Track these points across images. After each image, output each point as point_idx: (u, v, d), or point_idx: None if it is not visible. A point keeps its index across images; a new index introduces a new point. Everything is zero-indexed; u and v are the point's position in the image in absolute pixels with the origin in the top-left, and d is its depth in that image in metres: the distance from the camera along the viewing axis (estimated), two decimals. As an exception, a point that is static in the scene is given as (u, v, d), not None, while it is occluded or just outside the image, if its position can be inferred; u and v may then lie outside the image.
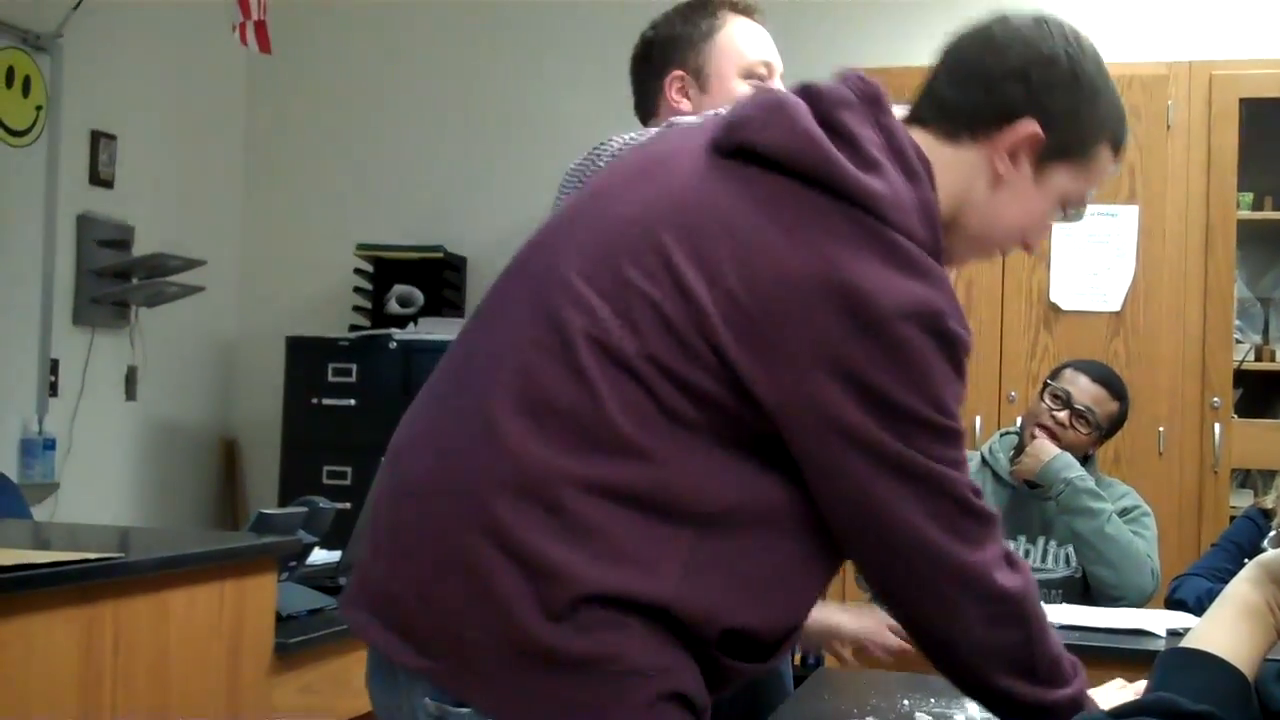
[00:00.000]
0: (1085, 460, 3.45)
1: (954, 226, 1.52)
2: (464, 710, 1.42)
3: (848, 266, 1.35)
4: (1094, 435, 3.42)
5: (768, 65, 2.35)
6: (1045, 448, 3.37)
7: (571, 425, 1.38)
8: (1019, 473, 3.40)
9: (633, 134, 2.27)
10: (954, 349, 1.40)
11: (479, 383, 1.45)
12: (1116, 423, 3.48)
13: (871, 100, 1.51)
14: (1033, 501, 3.42)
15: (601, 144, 2.28)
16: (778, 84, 2.32)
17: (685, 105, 2.33)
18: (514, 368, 1.43)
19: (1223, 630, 1.40)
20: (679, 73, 2.35)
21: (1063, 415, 3.39)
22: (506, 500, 1.38)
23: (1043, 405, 3.43)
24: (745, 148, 1.42)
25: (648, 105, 2.41)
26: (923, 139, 1.52)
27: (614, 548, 1.37)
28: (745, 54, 2.35)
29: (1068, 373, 3.46)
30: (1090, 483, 3.32)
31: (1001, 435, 3.59)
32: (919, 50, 5.15)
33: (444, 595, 1.41)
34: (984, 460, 3.51)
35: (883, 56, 4.88)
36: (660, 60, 2.37)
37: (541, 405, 1.40)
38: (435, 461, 1.46)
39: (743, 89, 2.29)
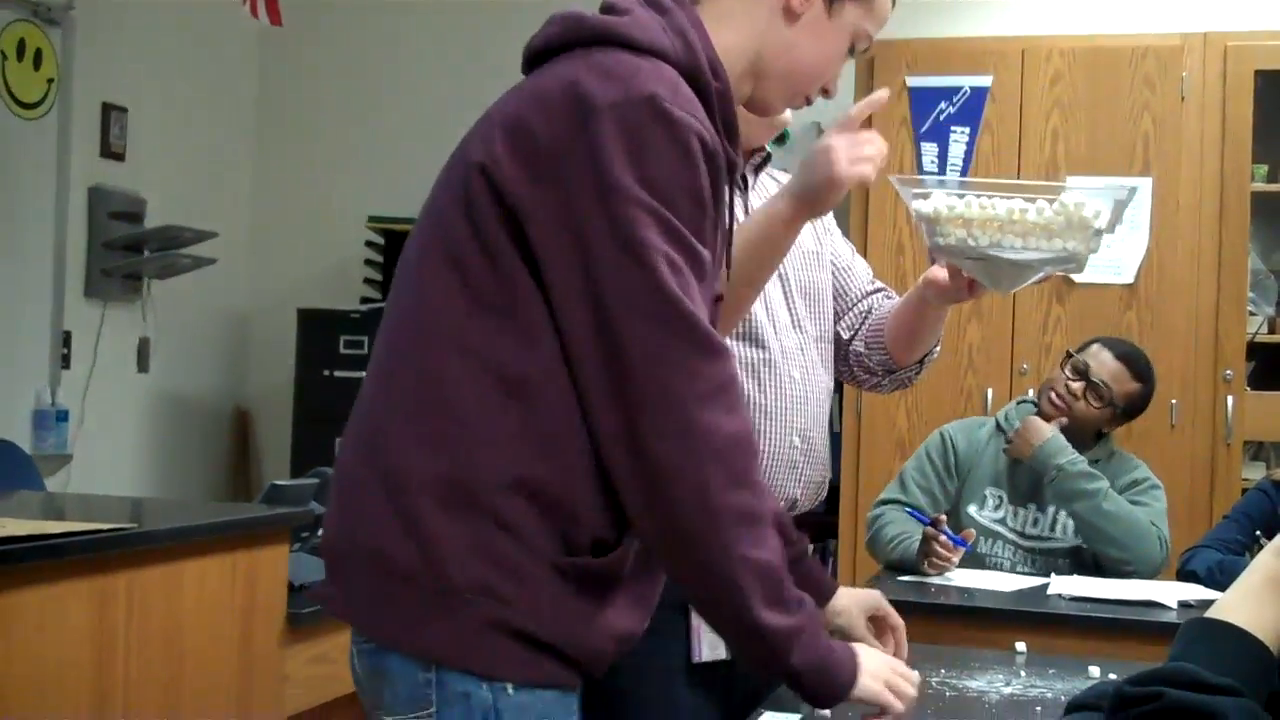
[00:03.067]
0: (1099, 438, 3.44)
1: (761, 72, 1.66)
2: (367, 645, 1.54)
3: (580, 81, 1.47)
4: (1107, 411, 3.41)
5: (869, 41, 2.23)
6: (1037, 428, 3.36)
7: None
8: (1011, 452, 3.39)
9: None
10: (669, 126, 1.44)
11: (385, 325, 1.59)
12: (1135, 404, 3.45)
13: None
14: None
15: None
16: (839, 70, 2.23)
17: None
18: (399, 294, 1.57)
19: (1248, 602, 1.38)
20: None
21: (1077, 386, 3.38)
22: (387, 429, 1.50)
23: (1060, 374, 3.42)
24: (534, 55, 1.59)
25: None
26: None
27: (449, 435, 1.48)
28: (872, 18, 2.21)
29: (1094, 347, 3.45)
30: (1082, 464, 3.31)
31: (1019, 403, 3.57)
32: (925, 22, 5.15)
33: (337, 536, 1.55)
34: (999, 426, 3.50)
35: (888, 28, 4.86)
36: None
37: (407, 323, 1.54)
38: (354, 413, 1.58)
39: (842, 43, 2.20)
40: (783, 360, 2.21)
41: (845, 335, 2.39)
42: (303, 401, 5.20)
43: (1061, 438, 3.34)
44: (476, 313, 1.48)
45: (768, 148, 2.34)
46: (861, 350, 2.38)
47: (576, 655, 1.51)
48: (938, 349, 2.41)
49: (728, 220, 1.63)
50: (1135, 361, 3.45)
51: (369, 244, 5.42)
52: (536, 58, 1.59)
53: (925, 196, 1.97)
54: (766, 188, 2.32)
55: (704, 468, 1.43)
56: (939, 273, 2.13)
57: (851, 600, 2.08)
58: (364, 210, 5.44)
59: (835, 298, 2.39)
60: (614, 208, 1.43)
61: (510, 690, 1.48)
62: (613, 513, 1.50)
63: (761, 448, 2.17)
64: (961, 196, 1.94)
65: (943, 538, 3.14)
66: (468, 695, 1.48)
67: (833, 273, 2.40)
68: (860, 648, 1.61)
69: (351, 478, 1.54)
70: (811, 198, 1.91)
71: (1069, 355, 3.45)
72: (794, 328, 2.25)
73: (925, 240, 2.03)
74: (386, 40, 5.71)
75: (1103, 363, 3.40)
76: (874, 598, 2.09)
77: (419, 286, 1.52)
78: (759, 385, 2.19)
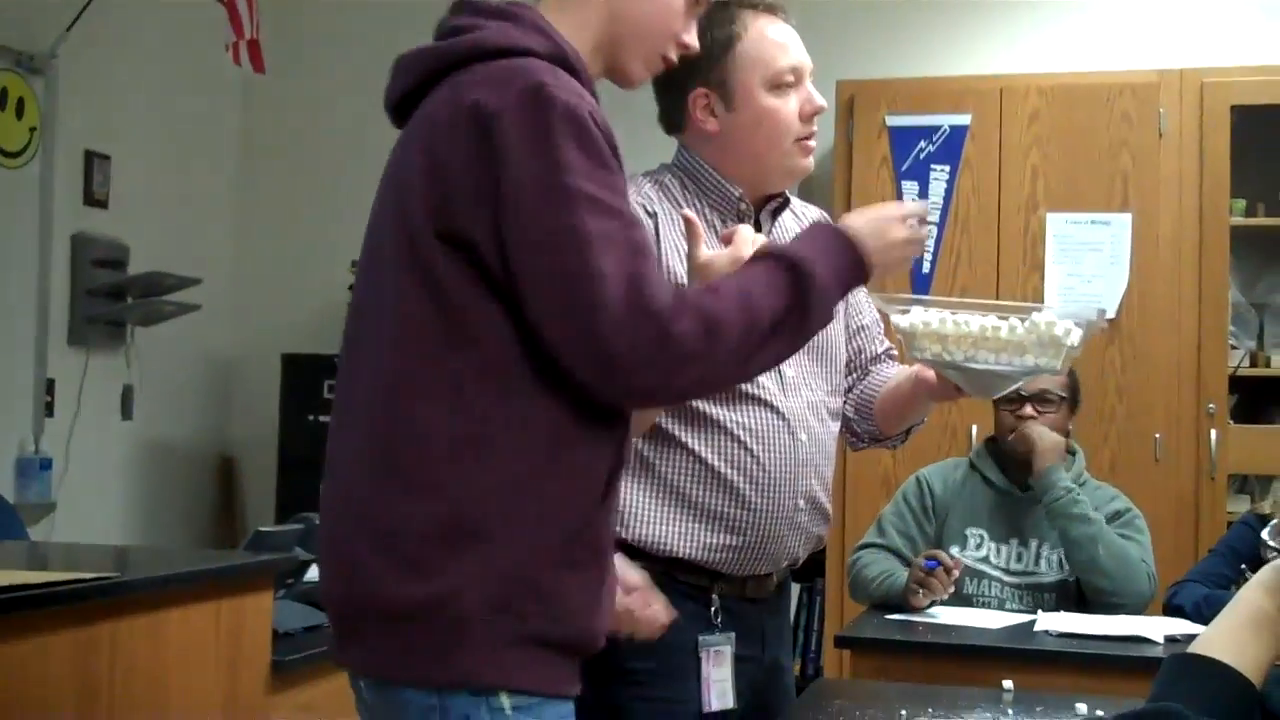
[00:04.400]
0: (1071, 454, 3.46)
1: (609, 44, 1.73)
2: (361, 683, 1.62)
3: (469, 97, 1.55)
4: (1064, 408, 3.44)
5: (796, 70, 2.19)
6: (1052, 444, 3.37)
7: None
8: (1014, 445, 3.41)
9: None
10: (564, 109, 1.53)
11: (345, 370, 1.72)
12: (1073, 387, 3.50)
13: (487, 9, 1.69)
14: (1025, 505, 3.42)
15: None
16: (809, 87, 2.21)
17: (711, 125, 2.20)
18: (352, 348, 1.73)
19: (1230, 636, 1.38)
20: (702, 90, 2.19)
21: (1026, 410, 3.41)
22: (362, 470, 1.59)
23: (1003, 412, 3.45)
24: (400, 102, 1.68)
25: (673, 120, 2.26)
26: None
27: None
28: (770, 62, 2.18)
29: None
30: (1084, 497, 3.33)
31: (986, 440, 3.59)
32: (903, 62, 5.18)
33: (329, 584, 1.62)
34: (972, 465, 3.52)
35: (866, 69, 4.90)
36: (681, 75, 2.14)
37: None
38: (328, 470, 1.67)
39: (771, 100, 2.18)
40: (789, 423, 2.21)
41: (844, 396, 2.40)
42: (287, 447, 5.18)
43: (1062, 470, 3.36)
44: (439, 357, 1.54)
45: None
46: (852, 415, 2.39)
47: (585, 642, 1.61)
48: (925, 420, 2.43)
49: None
50: None
51: (352, 289, 5.42)
52: (404, 103, 1.66)
53: (904, 311, 2.06)
54: (786, 226, 2.31)
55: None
56: (928, 374, 2.18)
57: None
58: (347, 255, 5.43)
59: (849, 359, 2.39)
60: (541, 204, 1.51)
61: (508, 710, 1.53)
62: (591, 486, 1.60)
63: (764, 510, 2.17)
64: (938, 313, 2.03)
65: (940, 554, 3.16)
66: (468, 718, 1.53)
67: (850, 332, 2.39)
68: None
69: (339, 536, 1.60)
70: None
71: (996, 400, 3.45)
72: (803, 386, 2.25)
73: (906, 352, 2.12)
74: (369, 86, 5.70)
75: None
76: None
77: (377, 340, 1.60)
78: (765, 449, 2.18)
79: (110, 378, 5.07)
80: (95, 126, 4.97)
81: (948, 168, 4.66)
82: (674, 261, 2.15)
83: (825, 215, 2.43)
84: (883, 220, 1.73)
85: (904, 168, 4.68)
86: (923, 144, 4.67)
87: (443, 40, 1.65)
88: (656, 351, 1.51)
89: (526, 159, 1.51)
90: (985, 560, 3.41)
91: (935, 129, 4.67)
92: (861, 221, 1.72)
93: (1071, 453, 3.47)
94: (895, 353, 2.45)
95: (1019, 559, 3.40)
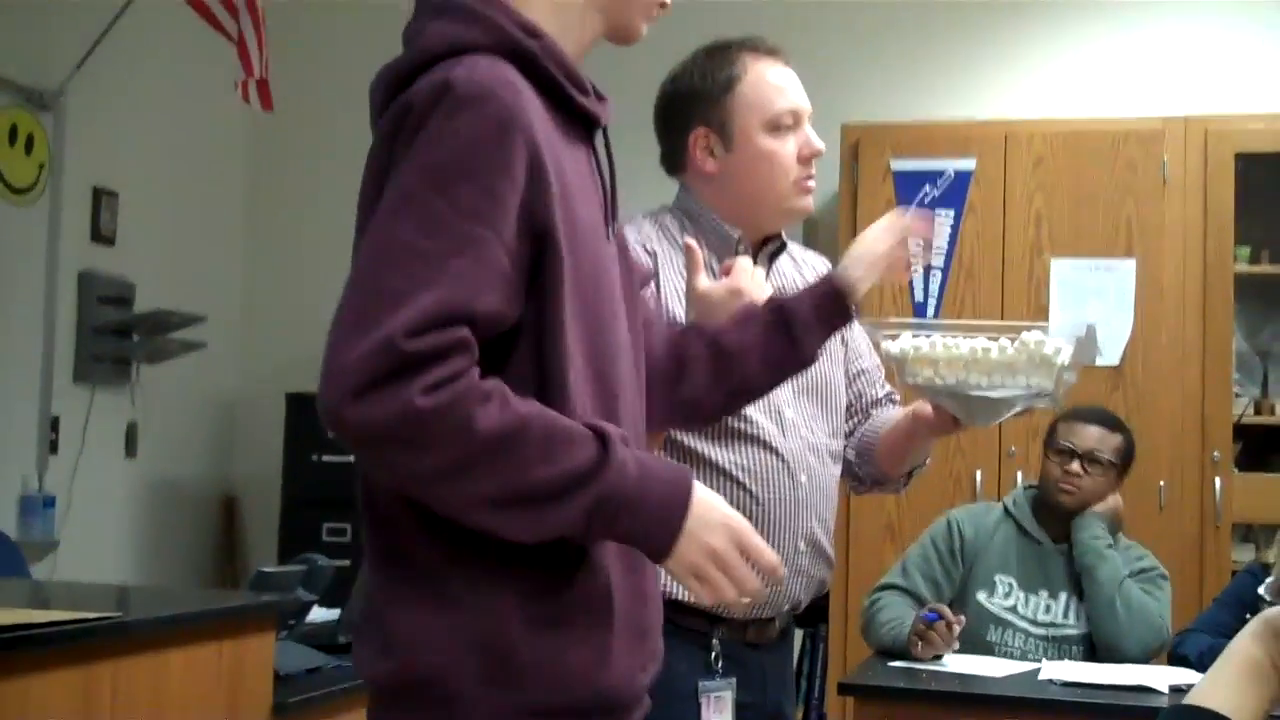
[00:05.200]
0: (1116, 529, 3.45)
1: (586, 5, 1.59)
2: None
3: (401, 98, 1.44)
4: (1112, 474, 3.43)
5: (794, 113, 2.21)
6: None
7: None
8: (1056, 497, 3.41)
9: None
10: (459, 108, 1.40)
11: None
12: (1126, 455, 3.48)
13: (436, 4, 1.55)
14: (1057, 557, 3.41)
15: None
16: (808, 130, 2.22)
17: (710, 165, 2.22)
18: None
19: (1225, 687, 1.39)
20: (702, 130, 2.21)
21: (1074, 466, 3.39)
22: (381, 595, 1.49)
23: (1052, 464, 3.42)
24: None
25: (673, 161, 2.29)
26: None
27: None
28: (769, 105, 2.19)
29: (1061, 426, 3.46)
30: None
31: (1025, 488, 3.57)
32: (908, 106, 5.22)
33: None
34: (1007, 511, 3.50)
35: (872, 112, 4.92)
36: (681, 116, 2.23)
37: None
38: None
39: (769, 143, 2.19)
40: (789, 464, 2.20)
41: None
42: (290, 487, 5.18)
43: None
44: None
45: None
46: (853, 459, 2.38)
47: (606, 704, 1.48)
48: (928, 462, 2.42)
49: (601, 173, 1.60)
50: (1106, 418, 3.48)
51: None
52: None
53: (894, 337, 2.07)
54: (784, 270, 2.33)
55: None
56: (925, 408, 2.17)
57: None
58: (353, 294, 5.45)
59: (849, 403, 2.39)
60: (383, 208, 1.42)
61: None
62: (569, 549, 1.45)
63: None
64: (928, 337, 2.03)
65: (942, 608, 3.13)
66: None
67: (850, 376, 2.39)
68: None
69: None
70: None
71: (1049, 445, 3.46)
72: (802, 428, 2.24)
73: (897, 378, 2.12)
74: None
75: (1084, 435, 3.42)
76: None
77: None
78: (764, 489, 2.17)
79: (115, 415, 5.07)
80: (103, 163, 4.99)
81: (952, 212, 4.67)
82: (673, 304, 2.16)
83: (827, 263, 2.44)
84: (722, 529, 1.47)
85: (909, 212, 4.68)
86: (927, 188, 4.69)
87: (398, 60, 1.54)
88: (387, 405, 1.33)
89: (400, 162, 1.41)
90: (1013, 610, 3.38)
91: (940, 173, 4.69)
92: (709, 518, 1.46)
93: (1116, 529, 3.45)
94: (897, 396, 2.45)
95: (1046, 610, 3.38)
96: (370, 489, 1.49)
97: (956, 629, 3.10)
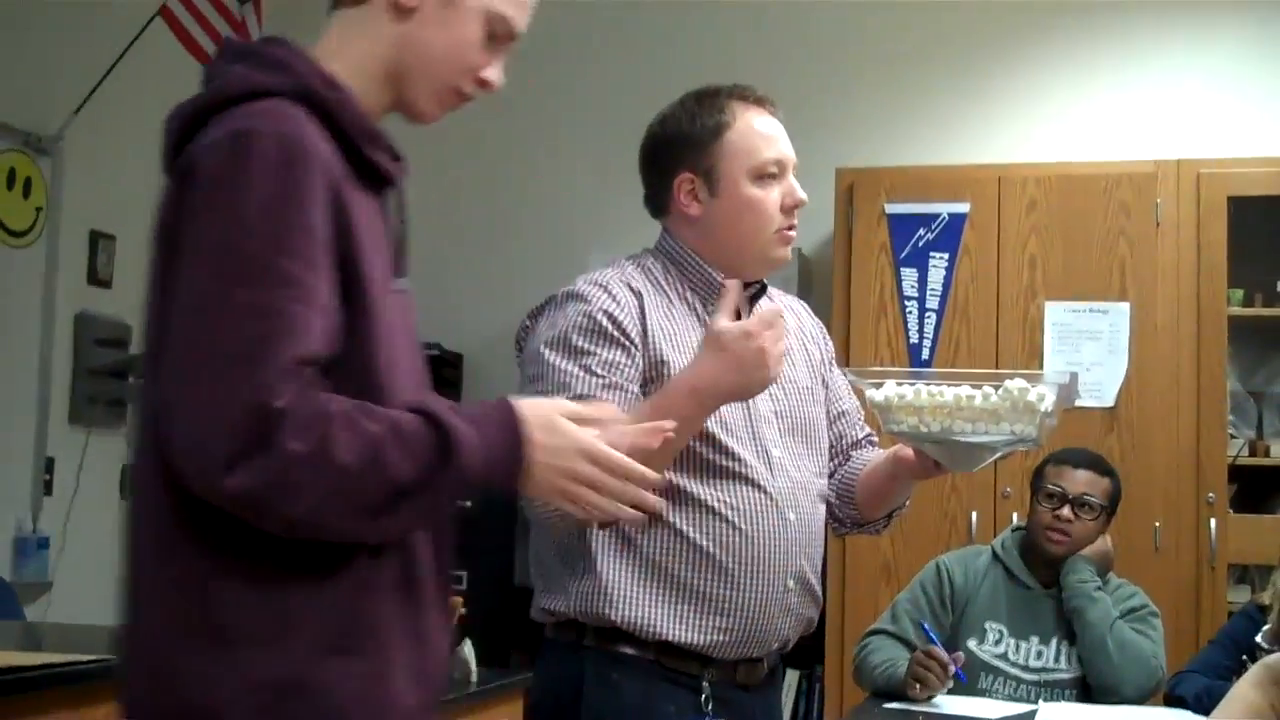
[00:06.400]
0: (1105, 572, 3.45)
1: (397, 76, 1.60)
2: None
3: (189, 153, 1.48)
4: (1102, 518, 3.43)
5: (780, 163, 2.22)
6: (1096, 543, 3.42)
7: None
8: (1044, 544, 3.40)
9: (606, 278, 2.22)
10: (260, 157, 1.42)
11: None
12: (1115, 498, 3.48)
13: (238, 50, 1.61)
14: (1047, 601, 3.40)
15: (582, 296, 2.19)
16: (792, 180, 2.23)
17: (694, 210, 2.22)
18: None
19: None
20: (688, 175, 2.22)
21: (1065, 512, 3.39)
22: None
23: (1042, 509, 3.42)
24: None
25: (658, 203, 2.29)
26: (334, 19, 1.62)
27: None
28: (755, 154, 2.20)
29: (1050, 469, 3.46)
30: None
31: (1013, 530, 3.57)
32: (902, 150, 5.25)
33: None
34: (995, 555, 3.49)
35: (866, 157, 4.95)
36: (668, 160, 2.24)
37: None
38: None
39: (754, 191, 2.20)
40: (778, 503, 2.20)
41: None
42: (286, 528, 5.17)
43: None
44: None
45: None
46: (834, 500, 2.39)
47: None
48: (907, 504, 2.44)
49: (393, 219, 1.63)
50: (1096, 461, 3.48)
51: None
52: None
53: (878, 385, 2.09)
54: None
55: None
56: (906, 452, 2.21)
57: None
58: (349, 336, 5.46)
59: (830, 444, 2.40)
60: (194, 261, 1.42)
61: None
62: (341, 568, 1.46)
63: (755, 590, 2.17)
64: (912, 385, 2.06)
65: (936, 650, 3.11)
66: None
67: (831, 417, 2.40)
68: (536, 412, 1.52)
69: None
70: (739, 395, 2.07)
71: (1037, 489, 3.45)
72: (790, 467, 2.25)
73: (882, 426, 2.14)
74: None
75: (1074, 480, 3.42)
76: None
77: None
78: (754, 528, 2.17)
79: (110, 457, 5.06)
80: (101, 207, 5.01)
81: (947, 255, 4.69)
82: (659, 340, 2.16)
83: (805, 306, 2.46)
84: (567, 439, 1.52)
85: (903, 255, 4.71)
86: (922, 231, 4.71)
87: (192, 100, 1.57)
88: (262, 472, 1.35)
89: (202, 211, 1.42)
90: (1003, 657, 3.37)
91: (934, 217, 4.71)
92: (546, 429, 1.51)
93: (1105, 572, 3.45)
94: (875, 439, 2.46)
95: (1038, 656, 3.36)
96: (141, 509, 1.48)
97: (952, 668, 3.09)
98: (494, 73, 1.65)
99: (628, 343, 2.14)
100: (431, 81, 1.62)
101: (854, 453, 2.42)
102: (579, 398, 2.00)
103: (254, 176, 1.41)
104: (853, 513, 2.38)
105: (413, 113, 1.65)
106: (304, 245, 1.41)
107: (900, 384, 2.07)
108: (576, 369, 2.10)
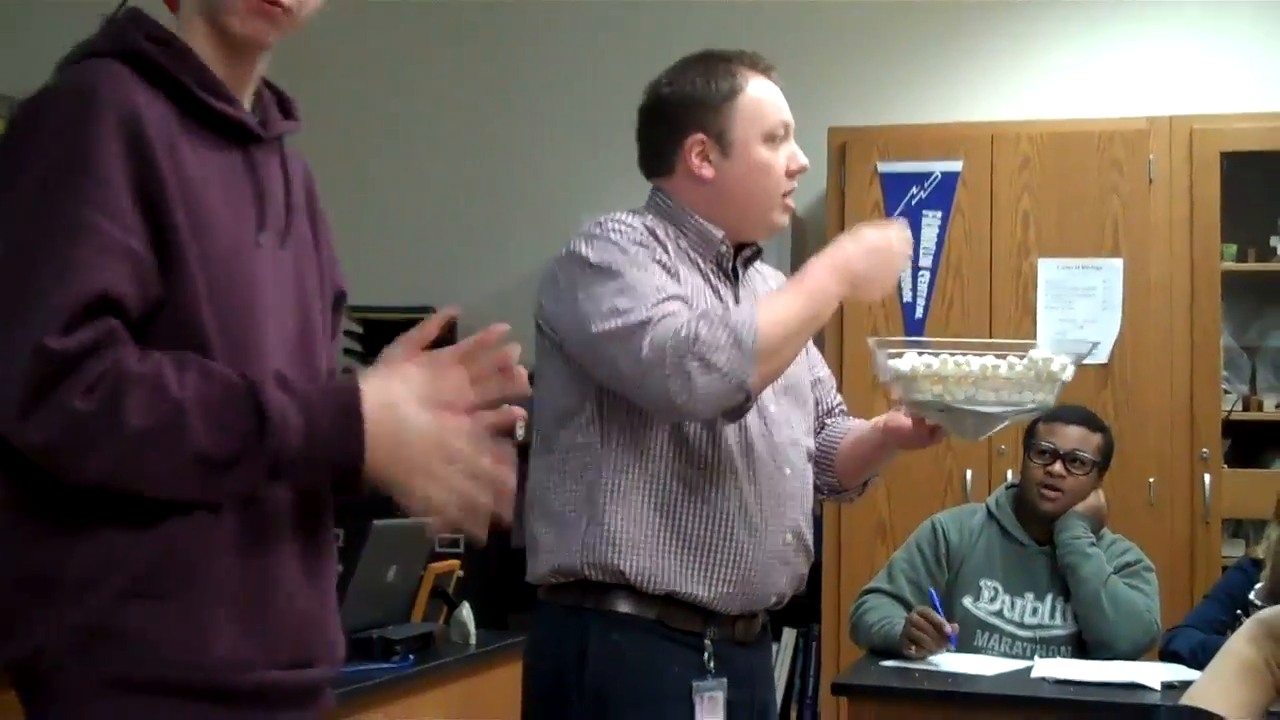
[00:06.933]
0: (1099, 528, 3.46)
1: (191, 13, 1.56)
2: None
3: None
4: (1094, 473, 3.44)
5: (786, 126, 2.26)
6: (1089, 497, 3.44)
7: None
8: (1038, 501, 3.42)
9: (628, 216, 2.22)
10: (49, 111, 1.43)
11: None
12: (1107, 453, 3.50)
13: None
14: (1041, 558, 3.42)
15: (617, 220, 2.19)
16: (793, 146, 2.27)
17: (707, 171, 2.24)
18: None
19: (1221, 687, 1.40)
20: (700, 135, 2.23)
21: (1056, 468, 3.40)
22: None
23: (1034, 465, 3.44)
24: None
25: (661, 163, 2.29)
26: None
27: None
28: (767, 116, 2.24)
29: (1041, 427, 3.47)
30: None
31: (1007, 488, 3.58)
32: (894, 109, 5.23)
33: None
34: (990, 513, 3.50)
35: (858, 116, 4.93)
36: (678, 119, 2.24)
37: None
38: None
39: (764, 153, 2.23)
40: (776, 459, 2.22)
41: None
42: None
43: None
44: None
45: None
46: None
47: (201, 677, 1.45)
48: (879, 474, 2.47)
49: (260, 183, 1.58)
50: (1087, 417, 3.50)
51: (349, 334, 5.43)
52: None
53: (899, 356, 2.12)
54: (751, 281, 2.35)
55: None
56: (903, 421, 2.21)
57: None
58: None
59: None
60: None
61: None
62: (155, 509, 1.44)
63: (757, 544, 2.18)
64: (936, 355, 2.09)
65: (932, 614, 3.13)
66: None
67: (810, 382, 2.42)
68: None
69: None
70: (865, 289, 2.12)
71: (1030, 446, 3.47)
72: (784, 425, 2.26)
73: (897, 396, 2.17)
74: (364, 133, 5.76)
75: (1065, 435, 3.43)
76: None
77: None
78: (756, 482, 2.19)
79: None
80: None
81: (940, 213, 4.68)
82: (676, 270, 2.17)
83: (782, 277, 2.47)
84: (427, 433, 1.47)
85: (896, 213, 4.70)
86: (914, 190, 4.70)
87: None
88: (55, 419, 1.35)
89: (5, 163, 1.43)
90: (999, 614, 3.39)
91: (927, 175, 4.70)
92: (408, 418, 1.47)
93: (1099, 528, 3.46)
94: (845, 407, 2.49)
95: (1033, 612, 3.38)
96: None
97: (948, 629, 3.11)
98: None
99: (665, 258, 2.16)
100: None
101: (828, 420, 2.45)
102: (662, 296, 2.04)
103: (42, 130, 1.42)
104: (830, 480, 2.42)
105: (231, 38, 1.56)
106: (94, 193, 1.40)
107: (922, 353, 2.10)
108: (652, 267, 2.10)
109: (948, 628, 3.12)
